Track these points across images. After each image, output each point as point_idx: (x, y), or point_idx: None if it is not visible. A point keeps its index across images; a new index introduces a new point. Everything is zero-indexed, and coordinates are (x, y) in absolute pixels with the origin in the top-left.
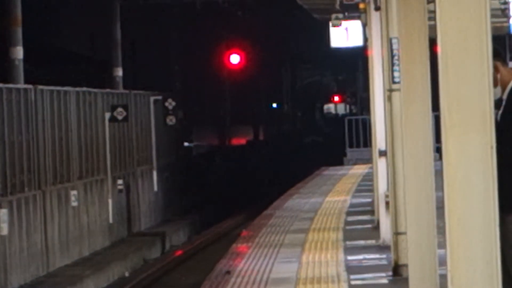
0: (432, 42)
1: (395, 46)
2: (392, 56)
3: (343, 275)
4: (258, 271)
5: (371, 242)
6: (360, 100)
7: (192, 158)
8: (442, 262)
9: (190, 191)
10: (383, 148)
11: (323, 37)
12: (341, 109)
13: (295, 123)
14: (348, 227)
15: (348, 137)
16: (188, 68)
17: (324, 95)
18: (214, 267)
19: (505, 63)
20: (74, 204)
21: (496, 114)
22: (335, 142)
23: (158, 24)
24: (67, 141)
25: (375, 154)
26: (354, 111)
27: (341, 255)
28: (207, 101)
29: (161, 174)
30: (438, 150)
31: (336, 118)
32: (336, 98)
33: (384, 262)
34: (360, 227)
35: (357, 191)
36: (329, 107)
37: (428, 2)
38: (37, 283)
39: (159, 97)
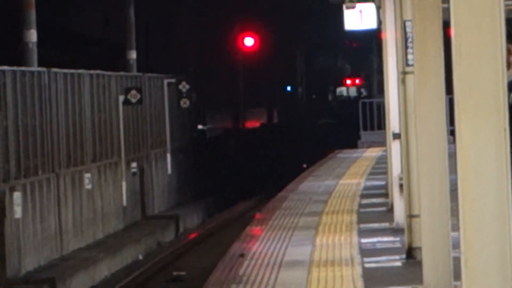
0: (446, 25)
1: (409, 29)
2: (406, 39)
3: (357, 257)
4: (272, 253)
5: (385, 224)
6: (371, 83)
7: (206, 141)
8: (456, 244)
9: (204, 174)
10: (397, 131)
11: (337, 20)
12: (353, 92)
13: (309, 106)
14: (362, 210)
15: (362, 120)
16: (202, 51)
17: (337, 78)
18: (228, 250)
19: None
20: (88, 187)
21: (509, 97)
22: (348, 123)
23: (172, 7)
24: (81, 124)
25: (389, 137)
26: (364, 94)
27: (355, 238)
28: (221, 84)
29: (175, 157)
30: (452, 132)
31: (349, 101)
32: (348, 82)
33: (398, 244)
34: (374, 209)
35: (371, 173)
36: (342, 90)
37: None
38: (51, 266)
39: (173, 80)
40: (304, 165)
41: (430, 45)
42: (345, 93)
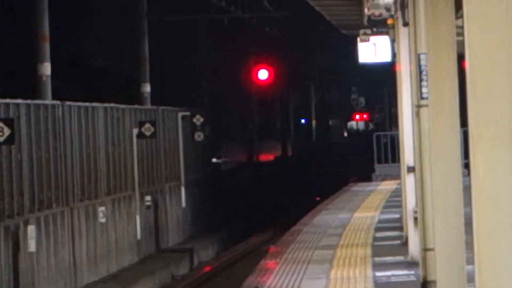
0: (460, 58)
1: (423, 62)
2: (421, 72)
3: None
4: (286, 287)
5: (400, 258)
6: (383, 117)
7: (220, 174)
8: (471, 278)
9: (218, 207)
10: (411, 164)
11: (351, 53)
12: (362, 125)
13: (322, 138)
14: (376, 243)
15: (377, 153)
16: (216, 84)
17: (347, 113)
18: (243, 283)
19: None
20: (102, 220)
21: None
22: (360, 155)
23: (186, 40)
24: (95, 157)
25: (404, 170)
26: (371, 127)
27: (369, 271)
28: (235, 117)
29: (189, 190)
30: (467, 165)
31: (358, 133)
32: (357, 117)
33: (413, 278)
34: (389, 243)
35: (386, 207)
36: (352, 124)
37: (456, 18)
38: None
39: (187, 113)
40: (317, 198)
41: (444, 77)
42: (354, 127)
